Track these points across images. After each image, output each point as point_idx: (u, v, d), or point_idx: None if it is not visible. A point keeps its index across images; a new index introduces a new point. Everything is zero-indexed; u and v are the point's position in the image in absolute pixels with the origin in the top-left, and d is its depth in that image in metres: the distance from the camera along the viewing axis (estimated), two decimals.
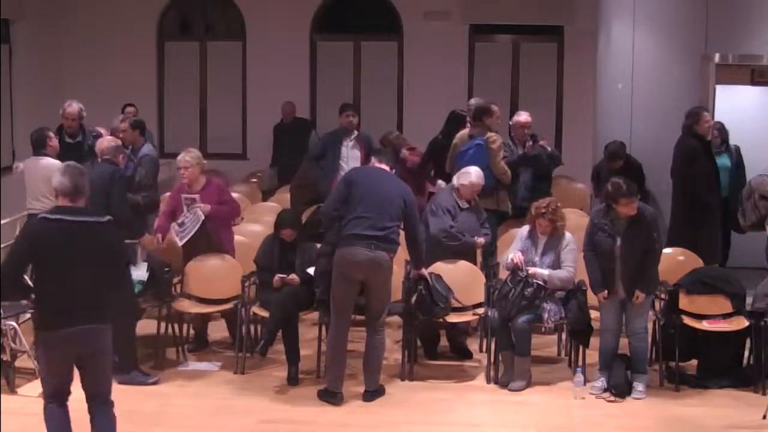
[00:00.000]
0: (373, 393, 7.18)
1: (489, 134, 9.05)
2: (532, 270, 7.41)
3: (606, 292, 7.20)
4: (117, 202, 7.66)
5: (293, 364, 7.54)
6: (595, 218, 7.34)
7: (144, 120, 9.80)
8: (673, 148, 9.15)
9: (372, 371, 7.19)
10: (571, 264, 7.47)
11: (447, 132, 9.62)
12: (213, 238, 8.19)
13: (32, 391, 7.18)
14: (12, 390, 7.17)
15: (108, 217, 5.50)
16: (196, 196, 8.15)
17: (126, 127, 9.42)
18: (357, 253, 6.91)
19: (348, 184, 7.11)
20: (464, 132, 9.26)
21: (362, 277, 6.95)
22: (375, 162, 7.35)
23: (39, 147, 8.65)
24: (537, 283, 7.36)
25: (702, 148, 8.99)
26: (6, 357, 7.19)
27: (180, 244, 8.14)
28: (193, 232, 8.09)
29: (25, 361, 7.44)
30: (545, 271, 7.42)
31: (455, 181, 8.17)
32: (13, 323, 7.24)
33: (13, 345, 7.27)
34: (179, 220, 8.14)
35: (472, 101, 9.70)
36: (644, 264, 7.19)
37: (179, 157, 8.25)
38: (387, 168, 7.27)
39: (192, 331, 8.61)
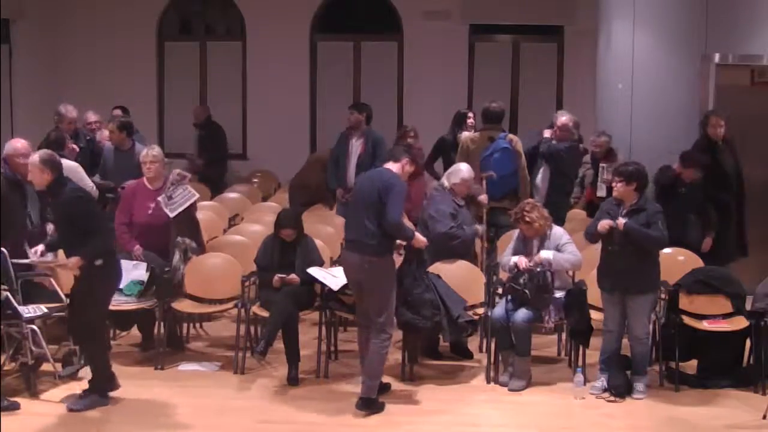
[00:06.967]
0: (365, 402, 6.87)
1: (511, 136, 9.09)
2: (537, 257, 7.39)
3: (610, 221, 7.11)
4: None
5: (293, 364, 7.53)
6: (605, 205, 7.48)
7: (132, 121, 9.69)
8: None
9: (365, 373, 6.96)
10: (574, 250, 7.52)
11: (453, 131, 10.00)
12: (195, 223, 8.19)
13: (54, 396, 7.05)
14: (33, 394, 7.01)
15: None
16: (188, 175, 8.26)
17: (113, 128, 9.35)
18: (345, 257, 7.03)
19: None
20: (475, 134, 9.26)
21: (356, 279, 6.93)
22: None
23: (58, 148, 8.36)
24: (540, 271, 7.33)
25: (710, 149, 8.99)
26: (27, 360, 7.00)
27: (171, 216, 7.99)
28: (183, 208, 8.03)
29: (45, 365, 7.20)
30: (549, 254, 7.39)
31: (446, 182, 8.16)
32: (34, 326, 7.01)
33: (33, 348, 7.00)
34: (167, 193, 8.05)
35: (494, 104, 9.49)
36: (642, 260, 7.15)
37: (144, 153, 8.27)
38: (390, 165, 6.97)
39: (198, 331, 8.65)
